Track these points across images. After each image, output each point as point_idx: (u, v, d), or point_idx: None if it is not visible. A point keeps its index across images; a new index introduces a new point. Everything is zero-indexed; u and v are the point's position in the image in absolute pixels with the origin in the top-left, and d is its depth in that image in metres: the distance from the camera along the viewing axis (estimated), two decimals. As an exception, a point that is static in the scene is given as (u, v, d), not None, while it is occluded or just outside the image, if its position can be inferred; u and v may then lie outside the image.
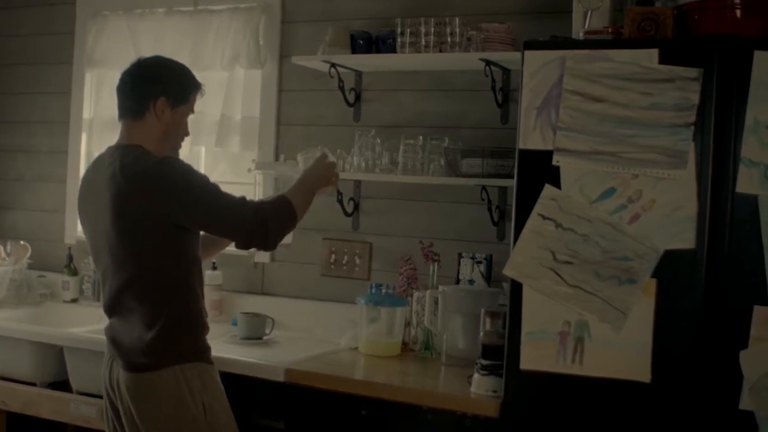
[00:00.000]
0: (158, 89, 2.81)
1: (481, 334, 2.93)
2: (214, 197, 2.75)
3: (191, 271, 2.81)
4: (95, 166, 2.91)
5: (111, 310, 2.86)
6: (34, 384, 3.69)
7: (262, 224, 2.73)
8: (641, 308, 2.60)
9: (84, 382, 3.57)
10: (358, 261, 3.82)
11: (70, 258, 4.37)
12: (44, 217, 4.63)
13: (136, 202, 2.69)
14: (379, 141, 3.65)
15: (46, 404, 3.58)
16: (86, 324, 3.92)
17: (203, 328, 2.85)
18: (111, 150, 2.86)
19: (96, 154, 4.48)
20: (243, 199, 2.78)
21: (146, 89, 2.81)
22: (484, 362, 2.87)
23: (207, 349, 2.84)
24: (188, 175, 2.75)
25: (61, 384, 3.67)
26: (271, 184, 3.31)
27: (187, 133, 2.95)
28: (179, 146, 2.94)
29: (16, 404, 3.64)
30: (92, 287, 4.31)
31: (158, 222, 2.70)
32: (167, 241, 2.73)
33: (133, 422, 2.76)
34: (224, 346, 3.43)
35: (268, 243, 2.80)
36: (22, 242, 4.45)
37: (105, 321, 3.98)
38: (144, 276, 2.75)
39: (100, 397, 3.47)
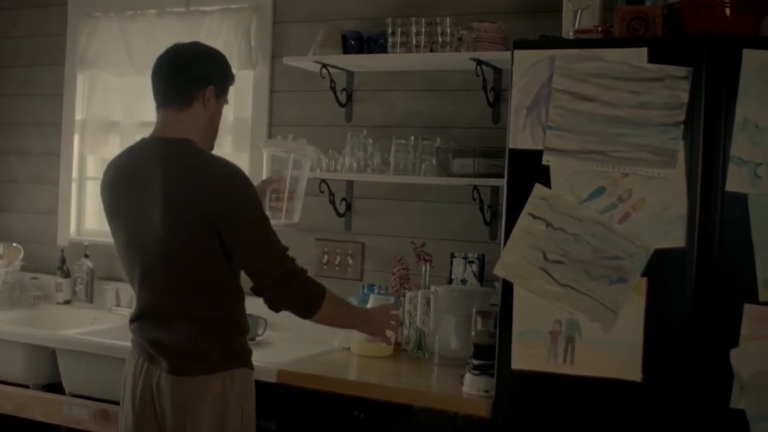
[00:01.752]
0: (207, 76, 2.68)
1: (473, 333, 2.93)
2: (264, 231, 2.64)
3: (238, 272, 2.69)
4: (132, 159, 2.73)
5: (150, 312, 2.68)
6: (26, 386, 3.69)
7: (283, 287, 2.61)
8: (632, 307, 2.60)
9: (77, 384, 3.57)
10: (350, 261, 3.82)
11: (63, 260, 4.36)
12: (37, 218, 4.62)
13: (197, 201, 2.55)
14: (370, 141, 3.65)
15: (38, 406, 3.58)
16: (79, 326, 3.92)
17: (248, 331, 2.76)
18: (155, 142, 2.69)
19: (89, 156, 4.53)
20: (286, 250, 2.66)
21: (196, 76, 2.67)
22: (476, 362, 2.87)
23: (251, 352, 2.74)
24: (254, 196, 2.64)
25: (54, 386, 3.67)
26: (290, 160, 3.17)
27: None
28: (215, 139, 2.81)
29: (8, 406, 3.63)
30: (85, 289, 4.30)
31: (212, 224, 2.56)
32: (221, 242, 2.59)
33: (172, 427, 2.63)
34: (217, 347, 3.42)
35: (274, 305, 2.65)
36: (14, 244, 4.45)
37: (98, 322, 4.04)
38: (197, 275, 2.62)
39: (93, 398, 3.48)
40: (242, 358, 2.69)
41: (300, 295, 2.65)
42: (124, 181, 2.72)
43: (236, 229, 2.59)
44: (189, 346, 2.62)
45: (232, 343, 2.67)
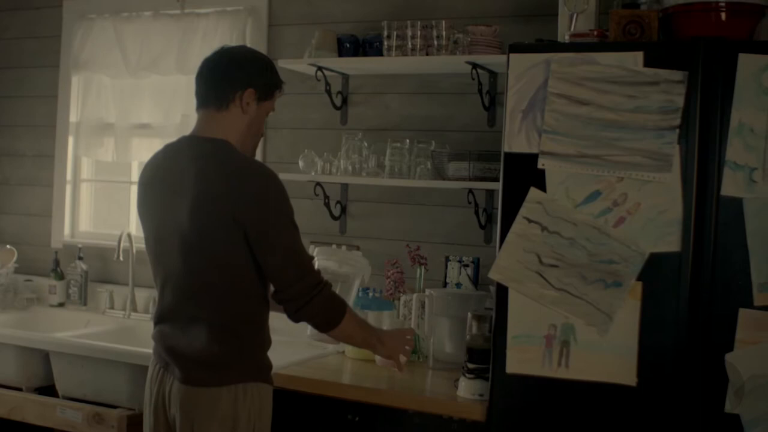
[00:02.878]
0: (247, 80, 2.63)
1: (468, 337, 2.92)
2: (293, 239, 2.59)
3: (265, 282, 2.64)
4: (168, 157, 2.70)
5: (170, 314, 2.64)
6: (20, 389, 3.68)
7: (306, 300, 2.58)
8: (627, 311, 2.60)
9: (70, 387, 3.56)
10: (345, 264, 3.80)
11: (57, 262, 4.36)
12: (30, 221, 4.61)
13: (226, 200, 2.50)
14: (365, 144, 3.65)
15: (31, 409, 3.56)
16: (73, 328, 3.91)
17: (270, 344, 2.73)
18: (192, 141, 2.65)
19: (83, 158, 4.52)
20: (312, 260, 2.66)
21: (235, 78, 2.63)
22: (471, 366, 2.86)
23: (270, 367, 2.70)
24: (286, 203, 2.59)
25: (48, 389, 3.66)
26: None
27: (263, 134, 2.80)
28: (257, 146, 2.77)
29: (1, 409, 3.62)
30: (78, 291, 4.30)
31: (239, 226, 2.51)
32: (249, 247, 2.54)
33: None
34: (211, 350, 3.41)
35: (294, 316, 2.62)
36: (8, 246, 4.44)
37: (91, 325, 4.03)
38: (220, 279, 2.56)
39: (86, 401, 3.48)
40: (258, 372, 2.64)
41: (322, 310, 2.63)
42: (158, 178, 2.68)
43: (262, 233, 2.53)
44: (203, 356, 2.57)
45: (249, 355, 2.63)
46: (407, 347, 2.90)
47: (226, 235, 2.52)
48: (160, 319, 2.68)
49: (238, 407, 2.56)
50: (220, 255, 2.54)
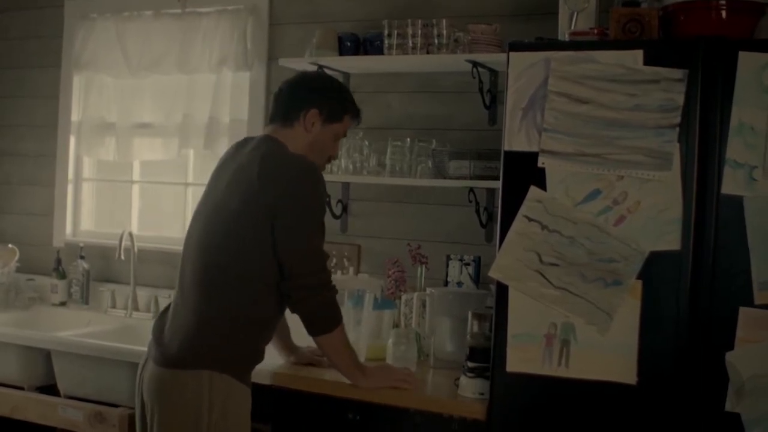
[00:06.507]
0: (312, 100, 2.76)
1: (468, 336, 2.92)
2: (313, 232, 2.68)
3: (280, 283, 2.68)
4: (233, 147, 2.87)
5: (178, 295, 2.71)
6: (21, 388, 3.68)
7: (310, 296, 2.67)
8: (627, 310, 2.59)
9: (72, 386, 3.56)
10: (346, 263, 3.81)
11: (59, 261, 4.36)
12: (32, 220, 4.62)
13: (265, 188, 2.60)
14: (366, 143, 3.65)
15: (33, 408, 3.57)
16: (75, 327, 3.92)
17: (261, 358, 2.74)
18: (255, 137, 2.83)
19: (85, 158, 4.53)
20: (327, 259, 2.73)
21: (301, 98, 2.77)
22: (471, 365, 2.86)
23: (247, 370, 2.69)
24: (317, 195, 2.68)
25: (49, 388, 3.66)
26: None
27: (335, 156, 2.89)
28: (323, 167, 2.84)
29: (3, 408, 3.63)
30: (80, 291, 4.30)
31: (269, 214, 2.60)
32: (273, 239, 2.62)
33: (150, 422, 2.63)
34: (212, 349, 3.41)
35: (297, 306, 2.69)
36: (10, 245, 4.45)
37: (93, 324, 4.05)
38: (232, 264, 2.62)
39: (88, 400, 3.49)
40: (231, 366, 2.61)
41: (323, 308, 2.71)
42: (219, 168, 2.83)
43: (286, 222, 2.61)
44: (180, 336, 2.62)
45: (229, 347, 2.63)
46: (405, 380, 2.91)
47: (254, 219, 2.61)
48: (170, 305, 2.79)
49: (201, 395, 2.55)
50: (239, 237, 2.62)
